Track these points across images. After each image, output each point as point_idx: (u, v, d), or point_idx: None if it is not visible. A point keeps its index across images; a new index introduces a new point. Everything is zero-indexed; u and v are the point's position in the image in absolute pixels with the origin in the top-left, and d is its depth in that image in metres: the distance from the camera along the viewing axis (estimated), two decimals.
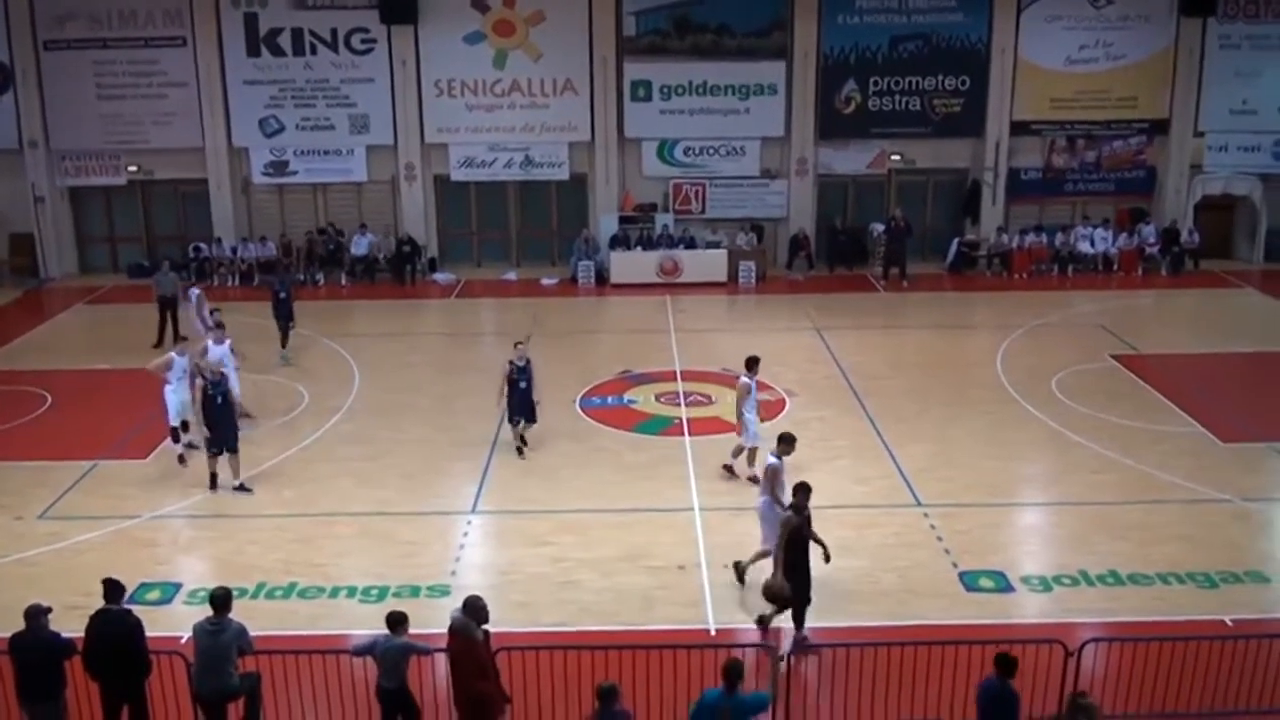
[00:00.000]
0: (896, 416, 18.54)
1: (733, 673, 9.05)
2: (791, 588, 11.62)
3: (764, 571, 12.25)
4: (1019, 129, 29.70)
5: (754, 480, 15.79)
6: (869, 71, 29.21)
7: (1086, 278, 28.74)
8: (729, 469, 16.24)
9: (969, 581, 13.20)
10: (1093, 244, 29.30)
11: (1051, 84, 29.52)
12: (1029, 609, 12.76)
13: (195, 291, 21.74)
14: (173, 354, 16.84)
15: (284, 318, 21.90)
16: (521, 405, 16.86)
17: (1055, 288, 28.08)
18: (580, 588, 13.10)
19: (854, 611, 12.46)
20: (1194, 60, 29.50)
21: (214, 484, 15.76)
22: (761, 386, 19.63)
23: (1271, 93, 29.88)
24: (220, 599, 9.87)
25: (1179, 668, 10.60)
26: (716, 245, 28.59)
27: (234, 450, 15.77)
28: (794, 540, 11.67)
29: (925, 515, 14.97)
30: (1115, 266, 29.12)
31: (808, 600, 11.84)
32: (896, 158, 29.74)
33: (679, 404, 19.27)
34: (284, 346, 21.84)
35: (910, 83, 29.33)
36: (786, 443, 13.27)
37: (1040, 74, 29.41)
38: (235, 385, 17.25)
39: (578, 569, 13.54)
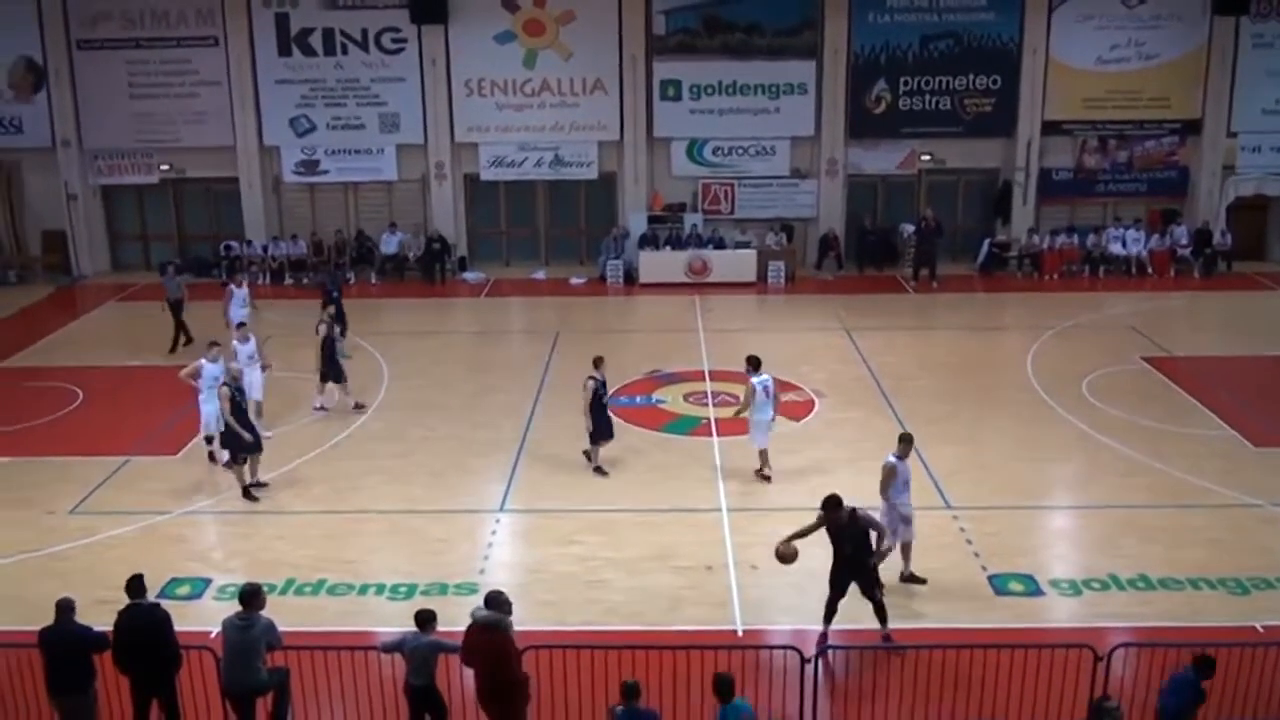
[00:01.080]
0: (926, 418, 18.43)
1: (724, 686, 9.14)
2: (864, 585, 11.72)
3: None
4: (1050, 129, 29.49)
5: (766, 479, 15.86)
6: (899, 71, 29.09)
7: (1118, 279, 28.51)
8: (764, 476, 16.13)
9: (999, 584, 13.14)
10: (1124, 245, 29.07)
11: (1083, 83, 29.30)
12: (1059, 612, 12.68)
13: (233, 288, 21.76)
14: (203, 360, 16.61)
15: (339, 320, 21.99)
16: (608, 424, 16.59)
17: (1086, 289, 27.89)
18: (607, 587, 13.12)
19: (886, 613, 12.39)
20: (1227, 60, 29.20)
21: (246, 493, 15.66)
22: (790, 387, 19.82)
23: None
24: (249, 594, 9.94)
25: (1228, 675, 10.49)
26: (745, 245, 28.55)
27: (256, 450, 15.71)
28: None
29: (955, 517, 14.90)
30: (1147, 268, 28.87)
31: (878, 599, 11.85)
32: (927, 157, 29.61)
33: (707, 404, 19.25)
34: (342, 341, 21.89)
35: (941, 82, 29.18)
36: (906, 443, 13.22)
37: (1072, 73, 29.20)
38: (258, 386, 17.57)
39: (605, 568, 13.56)
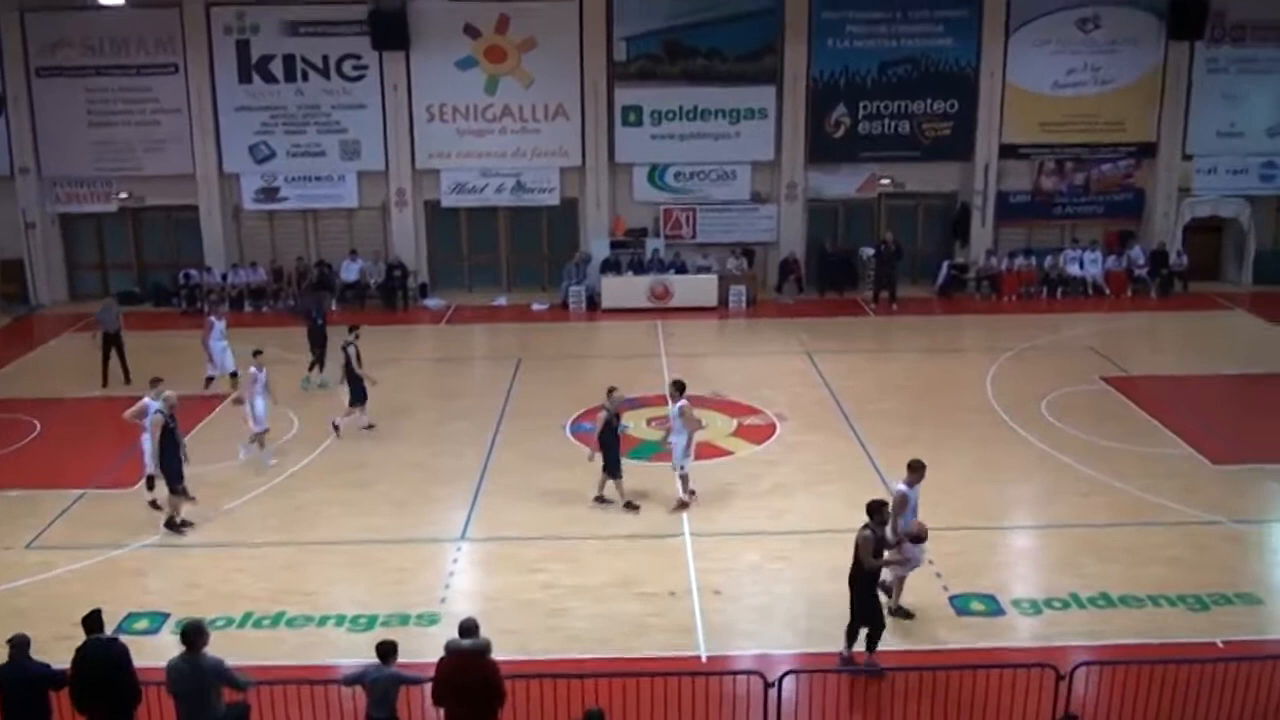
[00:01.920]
0: (887, 440, 18.53)
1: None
2: (866, 609, 11.68)
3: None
4: (1008, 152, 29.84)
5: (684, 505, 15.80)
6: (858, 95, 29.35)
7: (1075, 300, 28.82)
8: (681, 503, 16.03)
9: (960, 605, 13.19)
10: (1081, 266, 29.40)
11: (1040, 107, 29.67)
12: (1020, 632, 12.74)
13: (213, 319, 21.65)
14: (146, 398, 15.97)
15: (320, 344, 21.93)
16: (618, 459, 16.13)
17: (1044, 310, 28.15)
18: (570, 615, 13.06)
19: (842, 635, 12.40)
20: (1181, 84, 29.69)
21: (172, 524, 15.39)
22: (752, 411, 19.89)
23: (1258, 115, 30.10)
24: (192, 633, 9.61)
25: (1170, 690, 10.59)
26: (707, 270, 28.64)
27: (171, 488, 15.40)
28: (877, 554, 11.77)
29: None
30: (1104, 289, 29.21)
31: (879, 624, 11.83)
32: (886, 181, 29.85)
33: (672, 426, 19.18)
34: (321, 371, 21.80)
35: (900, 106, 29.48)
36: (917, 470, 13.07)
37: (1029, 98, 29.57)
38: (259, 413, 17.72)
39: (568, 596, 13.50)
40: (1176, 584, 13.62)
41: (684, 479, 16.01)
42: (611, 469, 16.00)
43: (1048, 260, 29.61)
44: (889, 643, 12.04)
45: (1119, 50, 29.42)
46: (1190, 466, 17.68)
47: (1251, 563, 14.54)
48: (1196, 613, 13.11)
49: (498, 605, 13.22)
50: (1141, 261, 29.67)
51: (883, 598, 12.40)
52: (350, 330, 19.77)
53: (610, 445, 15.96)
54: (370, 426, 19.45)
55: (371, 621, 12.86)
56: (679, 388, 16.22)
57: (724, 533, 15.20)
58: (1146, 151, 30.16)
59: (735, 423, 19.55)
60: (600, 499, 16.12)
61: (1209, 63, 29.70)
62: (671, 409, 16.17)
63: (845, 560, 14.10)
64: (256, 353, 18.23)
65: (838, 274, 29.63)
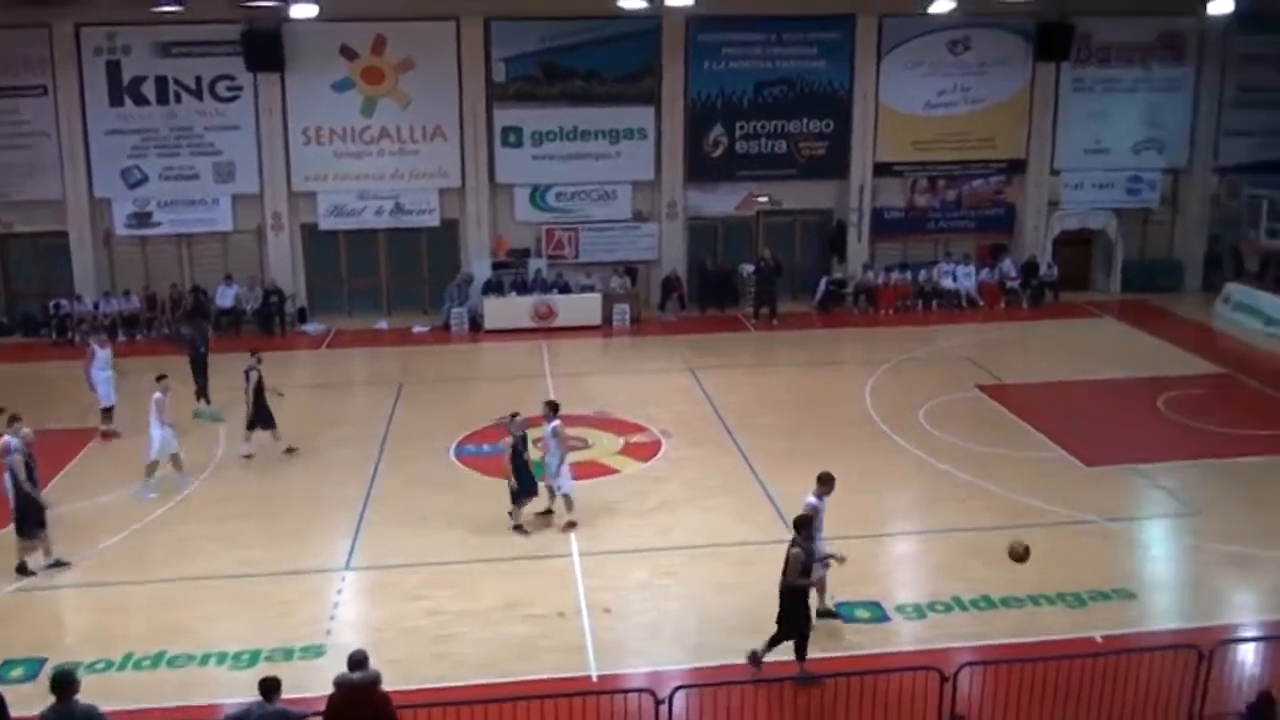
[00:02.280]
0: (770, 453, 18.75)
1: None
2: (795, 621, 11.83)
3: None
4: (882, 170, 30.51)
5: (571, 527, 15.76)
6: (735, 116, 29.73)
7: (950, 312, 29.54)
8: (567, 523, 15.95)
9: (846, 613, 13.37)
10: (955, 279, 30.17)
11: (912, 127, 30.43)
12: (905, 637, 12.99)
13: (96, 348, 20.77)
14: (6, 435, 15.06)
15: (203, 373, 21.31)
16: (531, 480, 16.05)
17: (920, 322, 28.79)
18: (458, 640, 12.89)
19: (736, 649, 12.43)
20: (1049, 103, 30.76)
21: (23, 569, 14.70)
22: (637, 428, 19.95)
23: (1122, 132, 31.33)
24: (62, 683, 9.21)
25: (1053, 686, 10.91)
26: (590, 289, 28.68)
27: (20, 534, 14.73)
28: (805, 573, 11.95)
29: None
30: (978, 301, 30.02)
31: (806, 633, 11.97)
32: (764, 199, 30.27)
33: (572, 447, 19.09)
34: (208, 402, 21.20)
35: (776, 126, 29.94)
36: (827, 483, 13.25)
37: (901, 118, 30.30)
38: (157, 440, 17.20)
39: (456, 621, 13.33)
40: (1054, 583, 14.02)
41: (566, 499, 15.97)
42: (526, 491, 15.88)
43: (922, 274, 30.33)
44: (777, 654, 12.15)
45: (988, 71, 30.35)
46: (1063, 469, 18.25)
47: (1125, 559, 15.08)
48: (1075, 609, 13.55)
49: (384, 635, 12.98)
50: (1013, 273, 30.57)
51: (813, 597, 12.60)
52: (252, 354, 19.44)
53: (520, 469, 15.81)
54: (249, 456, 19.01)
55: (255, 657, 12.51)
56: (552, 408, 16.18)
57: (612, 551, 15.19)
58: (1016, 168, 31.14)
59: (621, 441, 19.59)
60: (519, 528, 15.89)
61: (1075, 82, 30.84)
62: (545, 429, 16.07)
63: (732, 574, 14.37)
64: (160, 377, 17.76)
65: (719, 291, 29.90)
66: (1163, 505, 17.20)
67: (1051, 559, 14.71)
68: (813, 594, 12.67)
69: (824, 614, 13.17)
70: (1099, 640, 12.70)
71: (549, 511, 16.09)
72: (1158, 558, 15.63)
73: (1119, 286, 31.67)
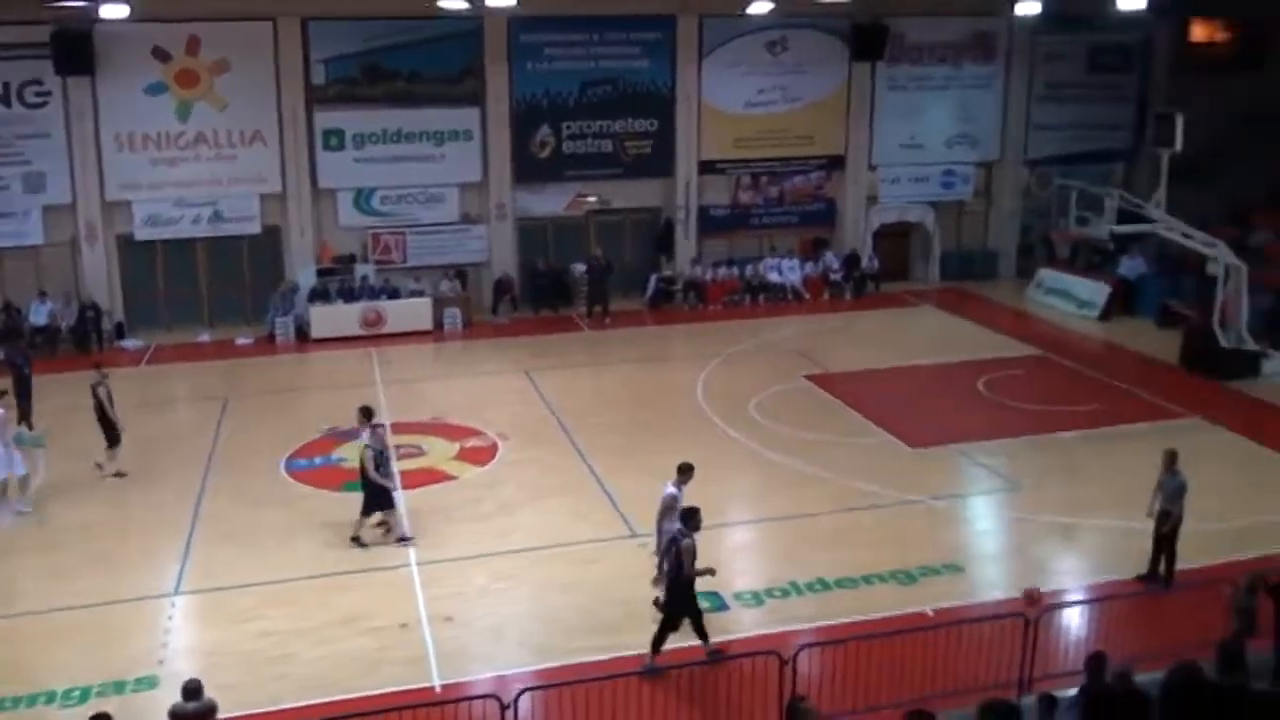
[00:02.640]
0: (607, 451, 18.83)
1: None
2: (682, 605, 12.01)
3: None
4: (707, 168, 30.93)
5: (404, 540, 15.41)
6: (561, 116, 29.71)
7: (777, 305, 30.11)
8: (400, 539, 15.61)
9: None
10: (781, 273, 30.81)
11: (734, 125, 30.94)
12: (744, 623, 13.21)
13: None
14: None
15: (27, 396, 20.21)
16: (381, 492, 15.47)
17: (748, 316, 29.27)
18: (295, 660, 12.52)
19: (581, 648, 12.48)
20: (865, 101, 31.71)
21: None
22: (473, 433, 19.76)
23: (936, 128, 32.55)
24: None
25: (889, 661, 11.27)
26: (420, 294, 28.24)
27: None
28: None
29: (642, 545, 15.16)
30: (803, 294, 30.70)
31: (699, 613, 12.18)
32: (592, 199, 30.35)
33: (392, 455, 18.76)
34: (30, 427, 19.92)
35: (601, 126, 30.03)
36: (686, 472, 13.43)
37: (723, 116, 30.78)
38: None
39: (292, 640, 12.94)
40: (887, 562, 14.50)
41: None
42: (383, 502, 15.46)
43: (749, 269, 30.89)
44: (619, 649, 12.21)
45: (806, 71, 31.08)
46: (890, 452, 18.86)
47: (951, 535, 15.68)
48: (906, 586, 14.04)
49: (219, 660, 12.51)
50: (836, 266, 31.39)
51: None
52: (98, 369, 18.73)
53: (376, 481, 15.33)
54: (120, 475, 18.20)
55: (86, 694, 11.89)
56: (366, 414, 15.88)
57: (452, 558, 15.00)
58: (836, 164, 31.99)
59: (457, 446, 19.37)
60: (403, 539, 15.48)
61: (889, 81, 31.87)
62: (363, 437, 15.72)
63: (573, 573, 14.39)
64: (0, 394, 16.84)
65: (551, 292, 29.85)
66: (985, 482, 17.95)
67: (882, 539, 15.24)
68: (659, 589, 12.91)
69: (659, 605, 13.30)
70: (930, 614, 13.18)
71: (384, 523, 15.75)
72: (983, 532, 16.33)
73: (937, 276, 32.88)
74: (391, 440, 16.77)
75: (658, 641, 12.04)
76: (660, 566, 12.97)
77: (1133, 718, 4.79)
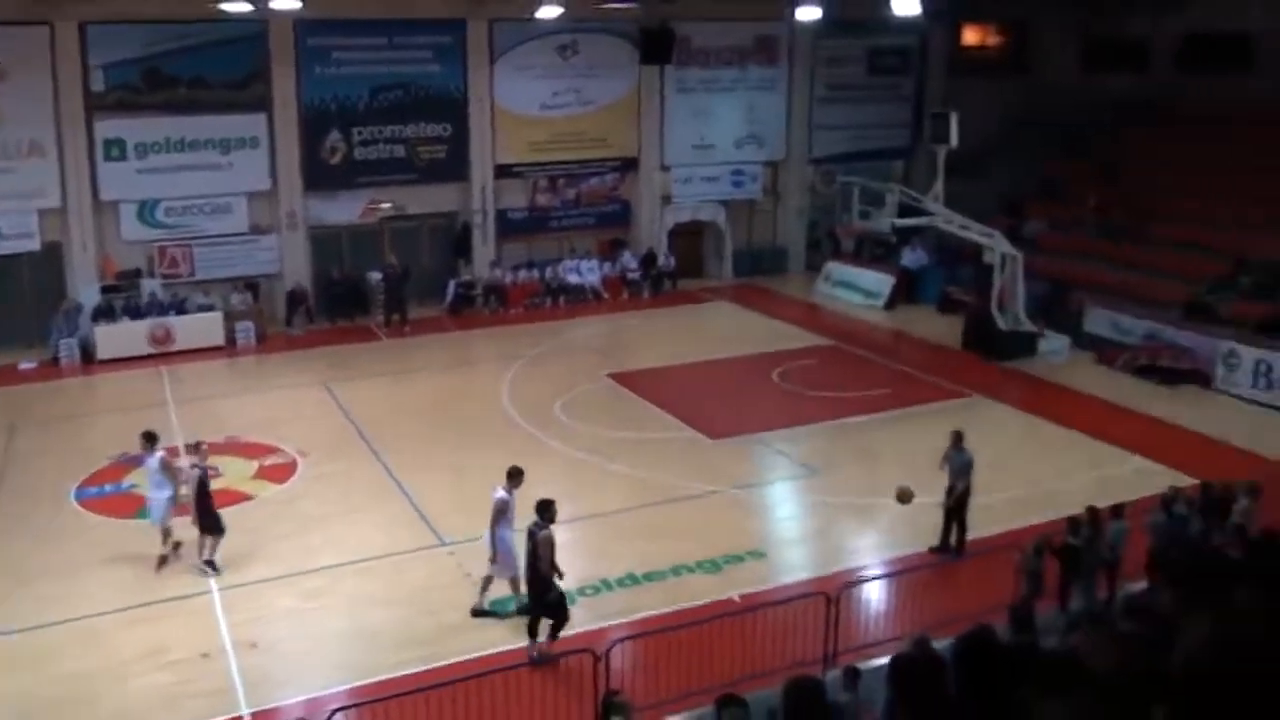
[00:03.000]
0: (412, 460, 18.68)
1: None
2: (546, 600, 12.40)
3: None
4: (502, 171, 30.92)
5: (164, 560, 15.00)
6: (352, 121, 29.18)
7: (578, 306, 30.37)
8: (163, 558, 15.06)
9: (500, 609, 13.55)
10: (580, 274, 31.08)
11: (529, 129, 31.04)
12: None
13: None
14: None
15: None
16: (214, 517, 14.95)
17: (550, 318, 29.45)
18: (96, 703, 11.93)
19: (393, 663, 12.38)
20: (655, 103, 32.31)
21: None
22: (271, 450, 19.26)
23: (725, 129, 33.46)
24: None
25: (699, 648, 11.63)
26: (210, 308, 27.25)
27: None
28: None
29: (451, 554, 15.21)
30: (602, 293, 31.05)
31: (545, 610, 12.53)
32: (387, 205, 29.91)
33: (187, 479, 18.03)
34: None
35: (394, 131, 29.63)
36: (515, 477, 13.56)
37: (517, 120, 30.83)
38: None
39: (92, 679, 12.32)
40: (694, 553, 14.90)
41: (166, 532, 15.08)
42: (211, 527, 14.88)
43: (548, 271, 31.04)
44: (434, 659, 12.18)
45: (598, 74, 31.46)
46: (692, 445, 19.34)
47: (754, 522, 16.26)
48: (712, 574, 14.49)
49: (18, 707, 11.84)
50: (633, 266, 31.87)
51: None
52: None
53: (205, 503, 14.85)
54: None
55: None
56: (150, 440, 15.33)
57: (255, 581, 14.59)
58: (630, 165, 32.47)
59: (255, 464, 18.82)
60: (210, 563, 14.84)
61: (679, 83, 32.55)
62: (149, 463, 15.21)
63: (382, 588, 14.27)
64: None
65: (347, 301, 29.27)
66: (785, 469, 18.62)
67: (689, 530, 15.62)
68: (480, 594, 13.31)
69: (479, 613, 13.34)
70: (737, 599, 13.64)
71: (179, 543, 15.18)
72: (784, 517, 16.98)
73: (731, 272, 33.80)
74: (184, 461, 16.24)
75: (533, 629, 12.43)
76: (492, 563, 13.34)
77: (932, 682, 5.14)
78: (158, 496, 15.06)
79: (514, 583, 13.54)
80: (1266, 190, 26.27)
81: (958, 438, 15.18)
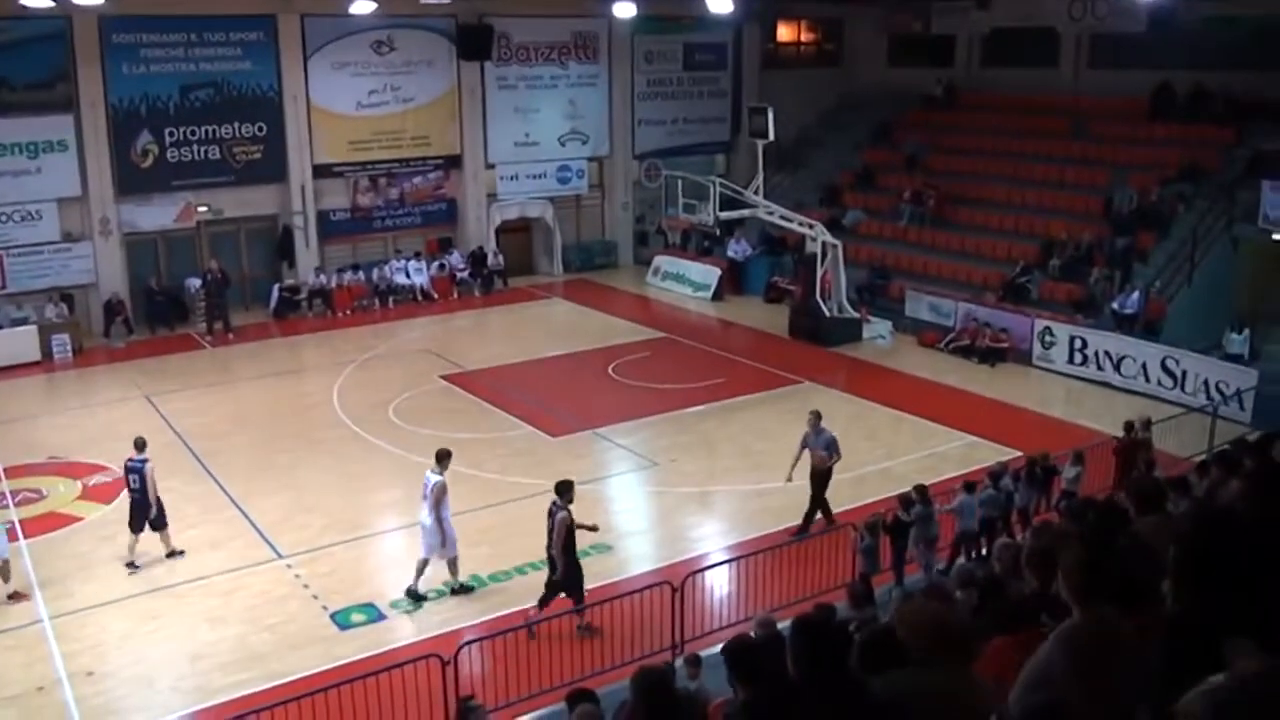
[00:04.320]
0: (243, 473, 18.23)
1: None
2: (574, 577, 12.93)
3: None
4: (322, 172, 30.28)
5: (16, 598, 14.28)
6: (163, 122, 28.11)
7: (407, 307, 30.00)
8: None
9: (341, 620, 13.45)
10: (408, 275, 30.73)
11: (347, 127, 30.49)
12: (404, 631, 13.33)
13: None
14: None
15: None
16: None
17: (379, 320, 29.06)
18: None
19: (234, 683, 12.13)
20: (477, 100, 32.10)
21: None
22: (96, 469, 18.51)
23: (548, 125, 33.51)
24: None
25: (549, 646, 11.79)
26: (23, 321, 25.93)
27: None
28: (571, 533, 12.85)
29: (289, 566, 14.96)
30: (432, 294, 30.74)
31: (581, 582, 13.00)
32: (204, 209, 28.94)
33: (7, 504, 17.21)
34: None
35: (207, 131, 28.68)
36: (445, 459, 14.03)
37: (335, 118, 30.25)
38: None
39: None
40: (539, 551, 14.83)
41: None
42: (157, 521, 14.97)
43: (375, 272, 30.57)
44: (275, 676, 11.99)
45: (415, 71, 31.08)
46: (533, 443, 19.43)
47: (599, 516, 16.19)
48: None
49: None
50: (461, 265, 31.69)
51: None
52: None
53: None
54: None
55: None
56: None
57: (87, 606, 14.02)
58: (453, 163, 32.21)
59: (79, 485, 18.03)
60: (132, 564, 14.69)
61: (499, 80, 32.43)
62: None
63: (220, 604, 13.88)
64: None
65: (167, 310, 28.24)
66: (625, 462, 18.90)
67: (532, 529, 15.53)
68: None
69: (458, 591, 13.96)
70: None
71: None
72: (627, 510, 17.25)
73: (561, 268, 33.94)
74: (6, 486, 15.53)
75: (546, 601, 12.91)
76: (442, 545, 13.86)
77: (774, 661, 5.33)
78: None
79: (453, 564, 13.97)
80: (1070, 177, 27.97)
81: (816, 418, 15.71)
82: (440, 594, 14.06)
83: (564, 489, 13.01)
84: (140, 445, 15.50)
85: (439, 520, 13.81)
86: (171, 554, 15.29)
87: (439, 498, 13.78)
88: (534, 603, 13.07)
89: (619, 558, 15.18)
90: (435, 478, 13.85)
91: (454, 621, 13.32)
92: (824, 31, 38.19)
